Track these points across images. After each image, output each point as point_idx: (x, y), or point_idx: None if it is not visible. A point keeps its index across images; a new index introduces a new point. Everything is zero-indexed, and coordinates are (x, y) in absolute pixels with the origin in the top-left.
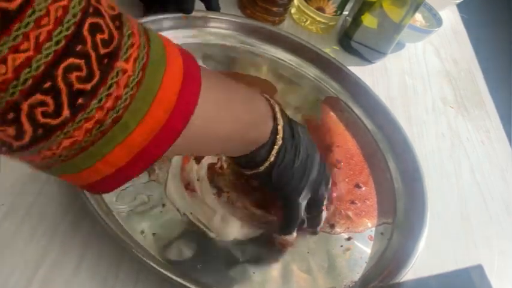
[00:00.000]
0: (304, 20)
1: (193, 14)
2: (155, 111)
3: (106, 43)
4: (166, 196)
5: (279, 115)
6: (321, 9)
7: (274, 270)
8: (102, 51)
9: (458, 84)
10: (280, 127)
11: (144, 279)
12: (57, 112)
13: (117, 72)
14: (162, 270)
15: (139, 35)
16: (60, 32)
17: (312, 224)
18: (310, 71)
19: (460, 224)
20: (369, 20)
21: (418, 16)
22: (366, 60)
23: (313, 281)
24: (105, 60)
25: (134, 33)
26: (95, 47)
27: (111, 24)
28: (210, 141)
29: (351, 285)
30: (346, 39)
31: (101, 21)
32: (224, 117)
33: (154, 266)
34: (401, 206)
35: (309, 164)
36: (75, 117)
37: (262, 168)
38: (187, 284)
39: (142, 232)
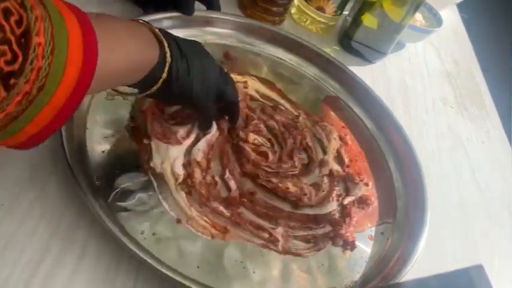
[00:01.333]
0: (304, 20)
1: (194, 13)
2: (69, 72)
3: (18, 24)
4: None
5: (161, 37)
6: (321, 9)
7: (274, 270)
8: (18, 32)
9: (458, 84)
10: (166, 47)
11: (144, 279)
12: None
13: (34, 47)
14: (162, 269)
15: (37, 4)
16: None
17: (232, 119)
18: (310, 71)
19: (460, 224)
20: (369, 20)
21: (418, 16)
22: (366, 60)
23: (313, 280)
24: (22, 40)
25: (33, 6)
26: (12, 31)
27: (14, 3)
28: (113, 78)
29: (351, 285)
30: (346, 39)
31: (8, 4)
32: (119, 55)
33: (154, 265)
34: (401, 205)
35: (205, 69)
36: (8, 95)
37: (155, 87)
38: (187, 284)
39: (142, 232)
